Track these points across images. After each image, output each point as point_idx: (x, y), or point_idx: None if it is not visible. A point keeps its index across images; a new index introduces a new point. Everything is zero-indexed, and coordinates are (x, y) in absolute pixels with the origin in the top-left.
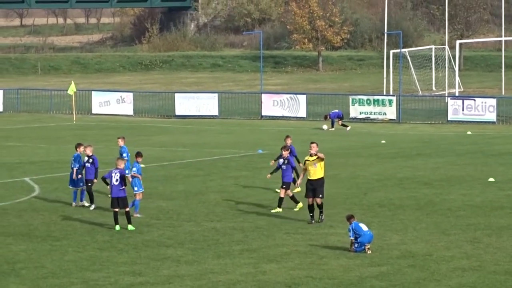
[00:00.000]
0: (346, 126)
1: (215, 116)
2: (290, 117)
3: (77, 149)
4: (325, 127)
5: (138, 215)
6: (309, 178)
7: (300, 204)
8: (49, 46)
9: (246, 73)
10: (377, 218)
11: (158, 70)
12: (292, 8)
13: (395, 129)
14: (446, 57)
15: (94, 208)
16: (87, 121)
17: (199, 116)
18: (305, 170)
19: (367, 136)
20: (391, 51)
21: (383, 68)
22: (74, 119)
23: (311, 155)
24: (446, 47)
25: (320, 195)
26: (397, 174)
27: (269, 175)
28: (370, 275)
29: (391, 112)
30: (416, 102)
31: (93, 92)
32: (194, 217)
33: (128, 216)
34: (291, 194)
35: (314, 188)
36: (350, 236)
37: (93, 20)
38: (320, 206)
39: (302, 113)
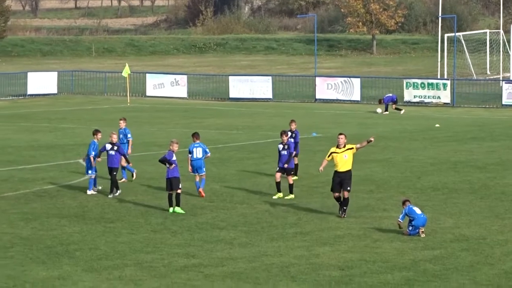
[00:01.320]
0: (400, 110)
1: (269, 99)
2: (344, 100)
3: (95, 136)
4: (379, 110)
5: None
6: (336, 170)
7: (280, 195)
8: (104, 28)
9: (300, 56)
10: (430, 201)
11: (212, 52)
12: None
13: (449, 113)
14: (501, 41)
15: (115, 195)
16: (141, 103)
17: (253, 99)
18: (327, 162)
19: (421, 120)
20: (446, 35)
21: (437, 52)
22: (128, 101)
23: (338, 147)
24: (501, 31)
25: (348, 188)
26: (451, 158)
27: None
28: (423, 259)
29: (445, 96)
30: (470, 86)
31: (147, 75)
32: (248, 199)
33: (178, 198)
34: (278, 180)
35: (341, 180)
36: (399, 219)
37: (147, 3)
38: (346, 201)
39: (356, 96)
